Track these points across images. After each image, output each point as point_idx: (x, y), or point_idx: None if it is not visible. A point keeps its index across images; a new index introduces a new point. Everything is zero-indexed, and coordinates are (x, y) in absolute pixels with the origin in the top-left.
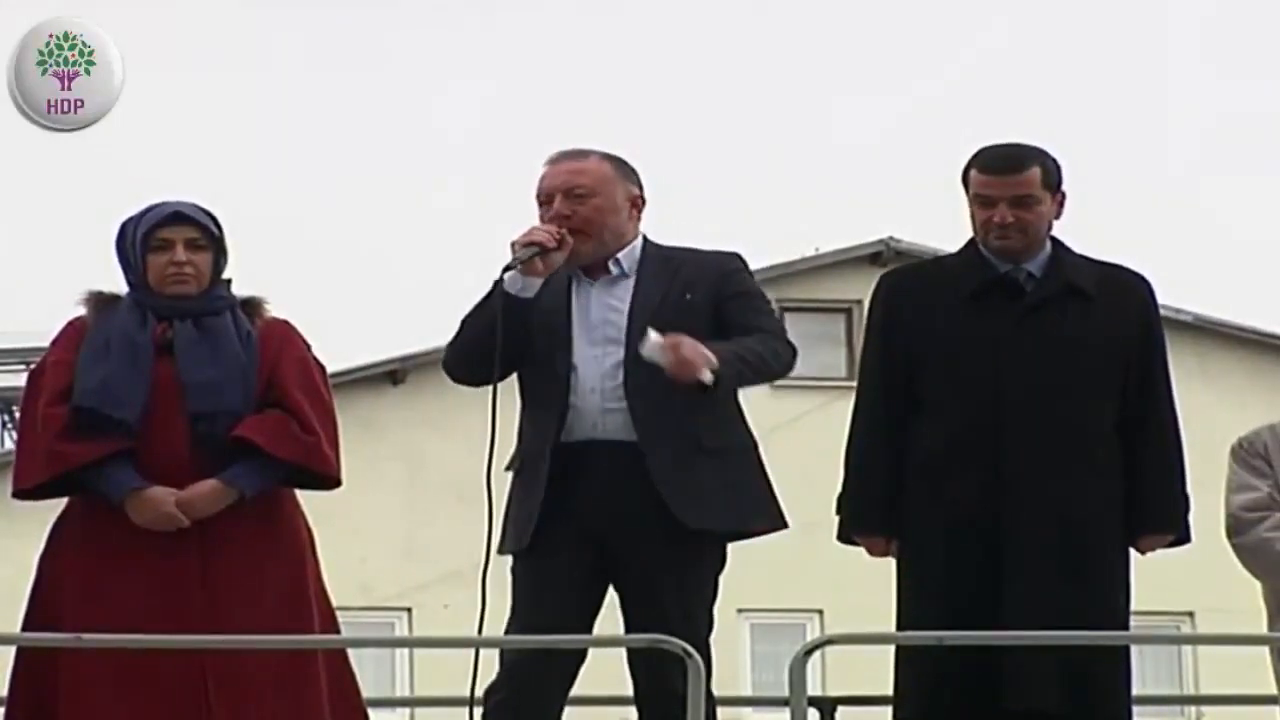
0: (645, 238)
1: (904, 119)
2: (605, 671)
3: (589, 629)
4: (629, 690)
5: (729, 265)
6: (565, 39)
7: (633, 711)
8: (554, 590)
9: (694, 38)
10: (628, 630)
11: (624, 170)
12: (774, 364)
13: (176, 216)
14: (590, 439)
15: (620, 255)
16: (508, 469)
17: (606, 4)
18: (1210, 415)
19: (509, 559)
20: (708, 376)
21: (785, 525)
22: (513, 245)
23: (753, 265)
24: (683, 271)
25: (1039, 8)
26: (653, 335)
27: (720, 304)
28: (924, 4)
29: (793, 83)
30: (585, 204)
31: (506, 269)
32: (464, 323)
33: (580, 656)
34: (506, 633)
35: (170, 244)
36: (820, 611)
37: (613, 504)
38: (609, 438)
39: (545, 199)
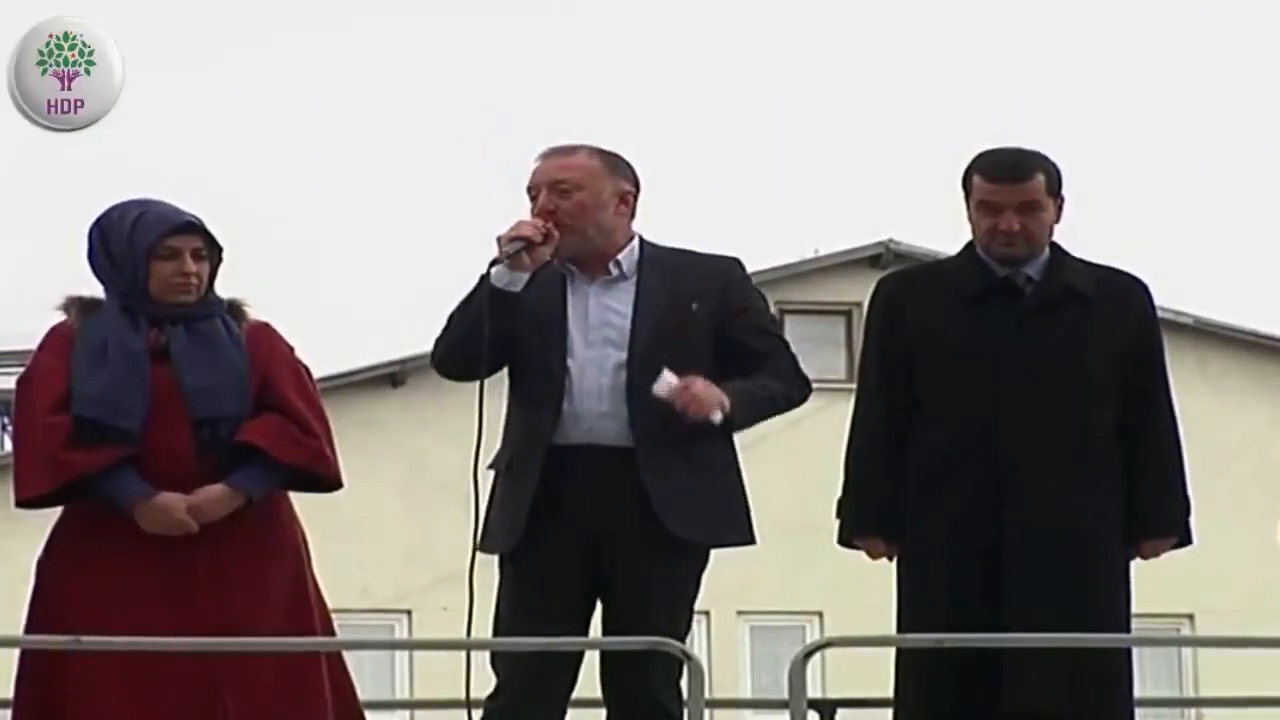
0: (642, 238)
1: (904, 119)
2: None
3: (583, 634)
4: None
5: (732, 274)
6: (567, 39)
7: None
8: (545, 596)
9: (693, 37)
10: (608, 629)
11: (614, 165)
12: (785, 404)
13: (188, 226)
14: (585, 443)
15: (620, 256)
16: (491, 467)
17: (608, 2)
18: (1210, 418)
19: (495, 559)
20: (717, 417)
21: (754, 541)
22: (499, 240)
23: (752, 267)
24: (684, 277)
25: (1040, 4)
26: (666, 375)
27: (726, 319)
28: (924, 2)
29: (792, 83)
30: (569, 198)
31: (493, 263)
32: (451, 317)
33: (578, 664)
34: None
35: (179, 253)
36: (820, 614)
37: (604, 508)
38: (603, 442)
39: (533, 193)
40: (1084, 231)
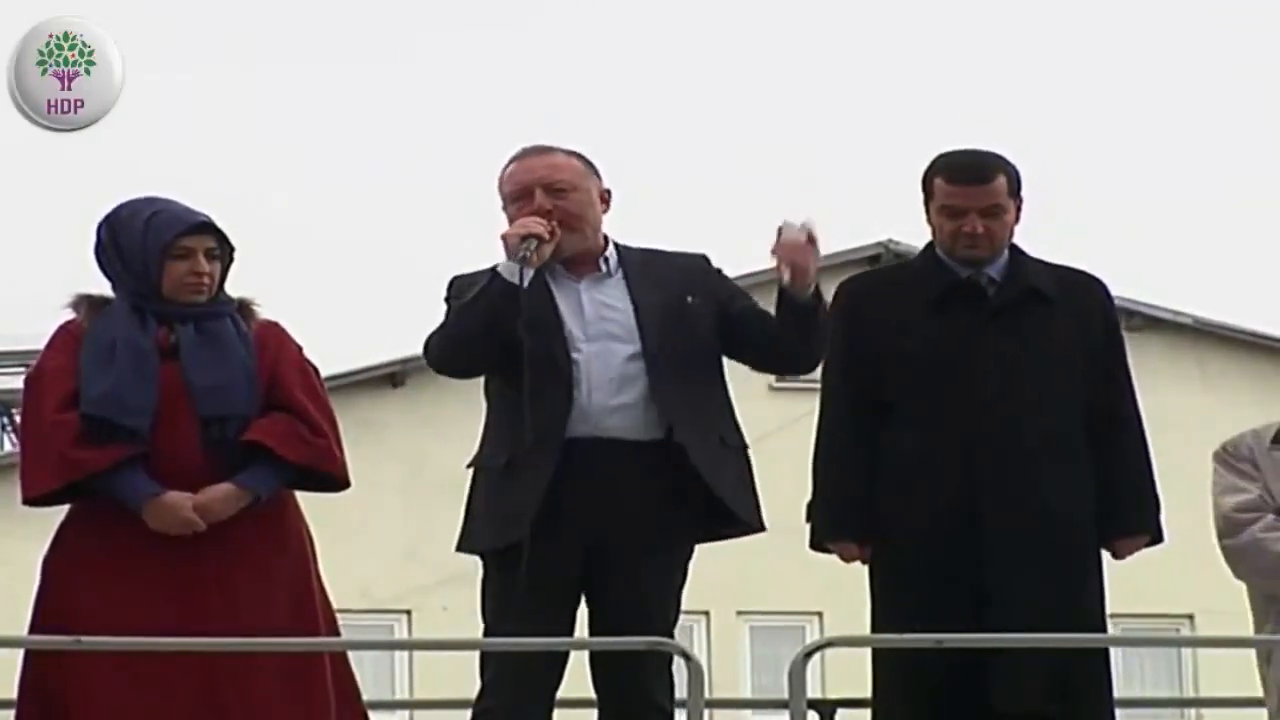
0: (610, 239)
1: (904, 119)
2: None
3: (570, 633)
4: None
5: (708, 268)
6: (567, 41)
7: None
8: (539, 598)
9: (692, 37)
10: (598, 626)
11: (591, 166)
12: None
13: (202, 226)
14: (593, 436)
15: (607, 254)
16: (471, 466)
17: (607, 4)
18: (1209, 418)
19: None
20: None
21: (764, 529)
22: (504, 238)
23: (752, 267)
24: (666, 273)
25: (1035, 5)
26: (798, 221)
27: (720, 306)
28: (925, 3)
29: (793, 82)
30: (566, 198)
31: (520, 262)
32: (460, 313)
33: (564, 664)
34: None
35: (192, 253)
36: (820, 614)
37: (608, 503)
38: (614, 435)
39: (520, 194)
40: (1083, 232)
